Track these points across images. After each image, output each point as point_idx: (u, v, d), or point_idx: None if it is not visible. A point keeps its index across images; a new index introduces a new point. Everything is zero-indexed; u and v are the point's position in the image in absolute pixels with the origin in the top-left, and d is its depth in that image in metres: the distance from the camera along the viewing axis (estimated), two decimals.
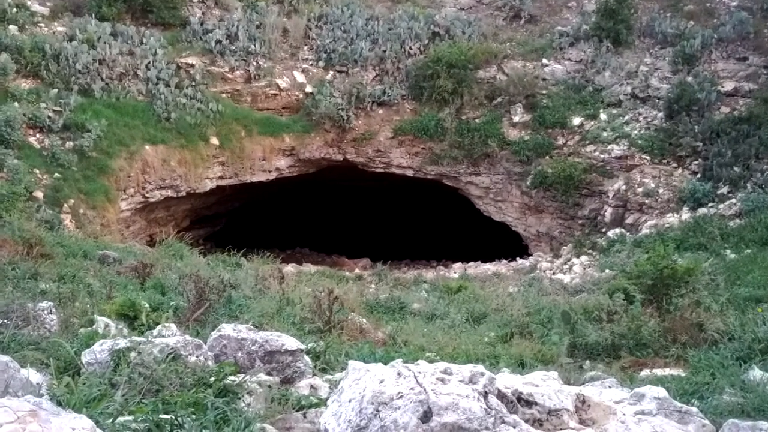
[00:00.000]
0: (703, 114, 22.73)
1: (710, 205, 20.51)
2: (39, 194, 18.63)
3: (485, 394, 3.91)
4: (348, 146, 25.47)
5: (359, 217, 31.13)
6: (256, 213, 29.93)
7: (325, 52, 26.18)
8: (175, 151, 22.58)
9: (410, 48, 26.32)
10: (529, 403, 4.17)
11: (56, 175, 19.65)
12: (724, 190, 20.85)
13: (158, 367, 5.11)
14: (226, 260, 16.23)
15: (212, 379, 5.12)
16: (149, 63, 23.53)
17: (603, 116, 24.40)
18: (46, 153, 20.08)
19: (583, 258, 20.88)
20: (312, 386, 5.84)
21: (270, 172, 24.89)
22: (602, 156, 23.42)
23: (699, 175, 21.83)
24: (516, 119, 25.06)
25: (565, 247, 22.66)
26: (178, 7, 25.48)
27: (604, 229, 22.37)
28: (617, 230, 21.66)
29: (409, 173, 25.90)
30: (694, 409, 4.44)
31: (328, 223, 31.50)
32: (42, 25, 23.43)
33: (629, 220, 22.10)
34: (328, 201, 31.68)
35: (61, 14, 24.05)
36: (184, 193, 23.13)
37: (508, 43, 26.84)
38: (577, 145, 24.02)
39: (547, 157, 24.14)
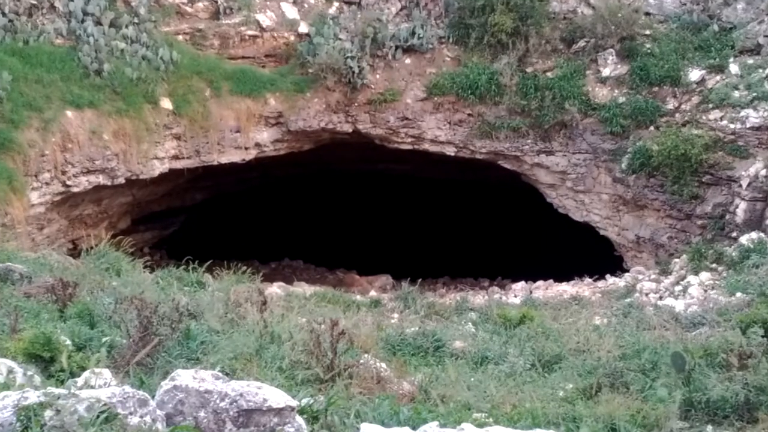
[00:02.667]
0: None
1: None
2: None
3: None
4: (360, 112, 25.49)
5: (376, 217, 31.20)
6: (226, 209, 30.02)
7: None
8: (109, 119, 22.77)
9: None
10: None
11: None
12: None
13: (85, 431, 5.12)
14: (184, 277, 16.45)
15: None
16: None
17: (734, 68, 24.31)
18: None
19: (704, 275, 20.83)
20: None
21: (247, 149, 25.01)
22: (732, 126, 23.32)
23: None
24: (606, 72, 25.10)
25: (677, 260, 22.54)
26: None
27: (734, 234, 22.27)
28: (754, 235, 21.49)
29: (450, 151, 25.92)
30: None
31: (330, 224, 31.48)
32: None
33: None
34: (330, 193, 31.63)
35: None
36: (122, 180, 23.29)
37: None
38: (696, 111, 24.00)
39: (652, 128, 24.20)
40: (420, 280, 22.73)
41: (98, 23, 23.38)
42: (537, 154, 25.61)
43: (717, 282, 20.19)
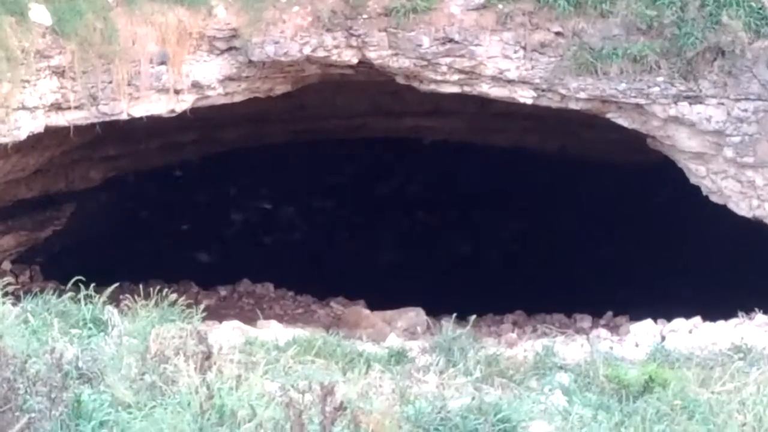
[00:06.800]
0: None
1: None
2: None
3: None
4: (372, 29, 23.43)
5: (398, 212, 29.88)
6: (142, 198, 29.23)
7: None
8: None
9: None
10: None
11: None
12: None
13: None
14: (71, 312, 15.14)
15: None
16: None
17: None
18: None
19: None
20: None
21: (178, 93, 23.21)
22: None
23: None
24: None
25: None
26: None
27: None
28: None
29: (525, 96, 23.74)
30: None
31: (320, 223, 30.33)
32: None
33: None
34: (320, 170, 30.58)
35: None
36: None
37: None
38: None
39: None
40: (473, 317, 20.02)
41: None
42: (674, 102, 23.02)
43: None
